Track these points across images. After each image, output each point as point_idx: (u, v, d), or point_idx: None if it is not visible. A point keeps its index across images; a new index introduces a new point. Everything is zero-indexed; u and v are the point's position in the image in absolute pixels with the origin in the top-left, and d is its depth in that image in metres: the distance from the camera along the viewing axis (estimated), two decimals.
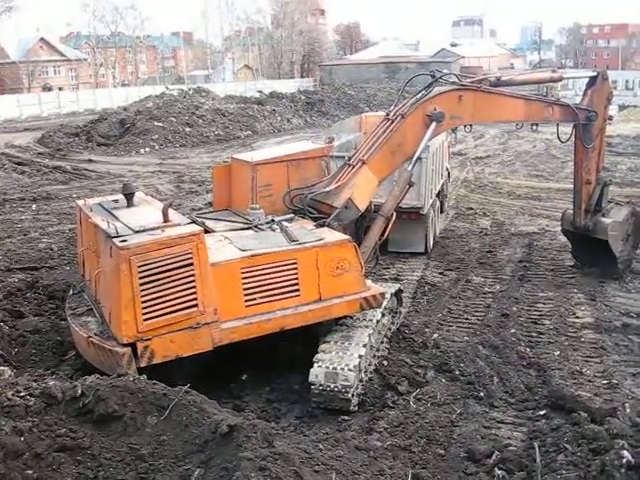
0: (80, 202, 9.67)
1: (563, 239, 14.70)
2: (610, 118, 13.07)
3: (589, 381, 9.13)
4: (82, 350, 8.60)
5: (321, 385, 8.18)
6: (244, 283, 8.16)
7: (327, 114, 49.36)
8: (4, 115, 53.62)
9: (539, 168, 26.47)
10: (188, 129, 37.23)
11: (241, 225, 9.88)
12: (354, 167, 10.17)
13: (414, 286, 12.97)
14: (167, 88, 55.30)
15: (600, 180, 12.83)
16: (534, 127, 12.94)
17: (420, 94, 10.77)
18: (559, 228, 14.40)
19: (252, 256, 8.28)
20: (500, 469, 6.96)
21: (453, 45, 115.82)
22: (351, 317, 9.09)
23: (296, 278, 8.46)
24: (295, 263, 8.45)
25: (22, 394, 6.15)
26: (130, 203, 8.96)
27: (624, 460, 6.22)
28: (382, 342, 9.69)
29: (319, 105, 51.27)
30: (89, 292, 9.22)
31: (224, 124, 39.75)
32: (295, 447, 6.34)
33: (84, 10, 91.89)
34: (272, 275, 8.32)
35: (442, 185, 17.41)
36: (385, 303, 9.40)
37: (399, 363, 9.45)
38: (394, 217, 10.33)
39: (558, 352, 10.04)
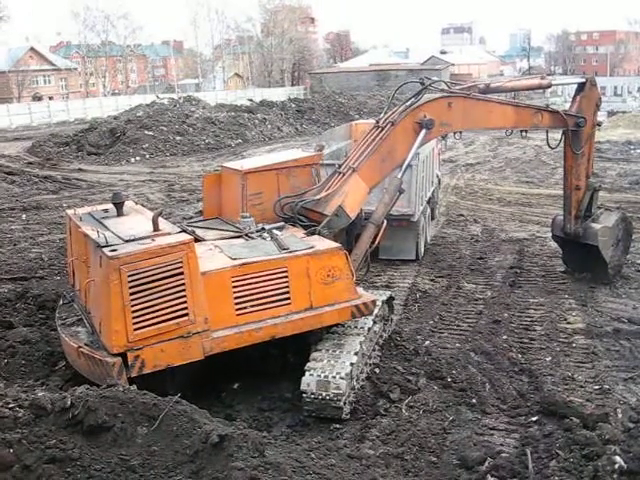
0: (70, 212, 9.62)
1: (554, 245, 14.74)
2: (599, 124, 13.06)
3: (581, 387, 9.13)
4: (72, 360, 8.55)
5: (313, 393, 8.15)
6: (235, 292, 8.14)
7: (317, 122, 49.35)
8: None
9: (529, 174, 26.56)
10: (178, 138, 37.16)
11: (231, 234, 9.86)
12: (344, 175, 10.19)
13: (405, 293, 12.97)
14: (157, 97, 55.32)
15: (590, 186, 12.86)
16: (524, 133, 12.97)
17: (410, 101, 10.80)
18: (549, 234, 14.44)
19: (243, 265, 8.26)
20: (493, 476, 6.96)
21: (443, 53, 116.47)
22: (342, 325, 9.08)
23: (287, 286, 8.44)
24: (286, 271, 8.43)
25: (11, 405, 6.10)
26: (120, 212, 8.93)
27: (616, 465, 6.24)
28: (374, 350, 9.67)
29: (309, 113, 51.23)
30: (79, 302, 9.18)
31: (214, 133, 39.68)
32: (287, 456, 6.32)
33: (74, 19, 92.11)
34: (263, 283, 8.31)
35: (433, 192, 17.46)
36: (376, 311, 9.39)
37: (391, 371, 9.44)
38: (385, 224, 10.34)
39: (550, 358, 10.05)
